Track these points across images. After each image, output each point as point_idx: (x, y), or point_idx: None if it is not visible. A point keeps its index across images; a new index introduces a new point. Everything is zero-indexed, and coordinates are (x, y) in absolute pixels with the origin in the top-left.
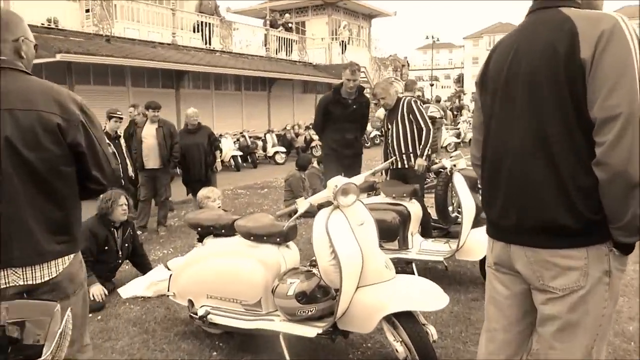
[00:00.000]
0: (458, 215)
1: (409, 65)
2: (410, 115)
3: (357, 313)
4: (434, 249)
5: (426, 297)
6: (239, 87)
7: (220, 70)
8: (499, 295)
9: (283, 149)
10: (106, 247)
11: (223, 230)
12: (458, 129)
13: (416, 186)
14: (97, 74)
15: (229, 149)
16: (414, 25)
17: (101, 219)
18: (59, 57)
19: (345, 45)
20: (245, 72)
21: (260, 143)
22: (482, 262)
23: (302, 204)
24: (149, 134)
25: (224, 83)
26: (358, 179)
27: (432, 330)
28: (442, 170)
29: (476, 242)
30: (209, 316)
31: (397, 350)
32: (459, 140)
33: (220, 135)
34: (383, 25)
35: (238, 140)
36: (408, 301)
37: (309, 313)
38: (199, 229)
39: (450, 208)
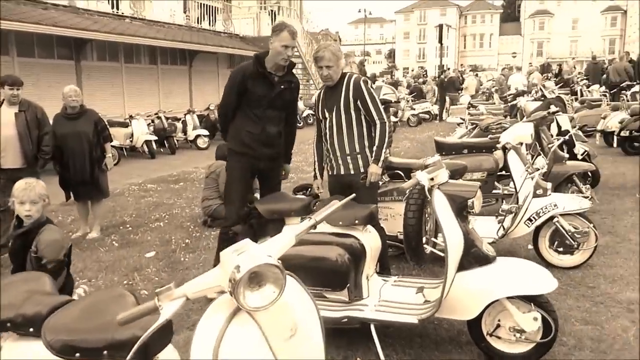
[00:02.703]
0: (433, 249)
1: (340, 40)
2: (359, 102)
3: None
4: (402, 301)
5: None
6: (155, 60)
7: (130, 40)
8: None
9: (206, 132)
10: None
11: (32, 329)
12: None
13: (373, 208)
14: None
15: (141, 132)
16: None
17: None
18: None
19: (275, 16)
20: (161, 42)
21: (179, 125)
22: (473, 322)
23: (167, 308)
24: (6, 122)
25: (137, 55)
26: (290, 235)
27: None
28: (415, 187)
29: (464, 294)
30: None
31: None
32: (396, 120)
33: (131, 117)
34: None
35: (153, 122)
36: None
37: None
38: None
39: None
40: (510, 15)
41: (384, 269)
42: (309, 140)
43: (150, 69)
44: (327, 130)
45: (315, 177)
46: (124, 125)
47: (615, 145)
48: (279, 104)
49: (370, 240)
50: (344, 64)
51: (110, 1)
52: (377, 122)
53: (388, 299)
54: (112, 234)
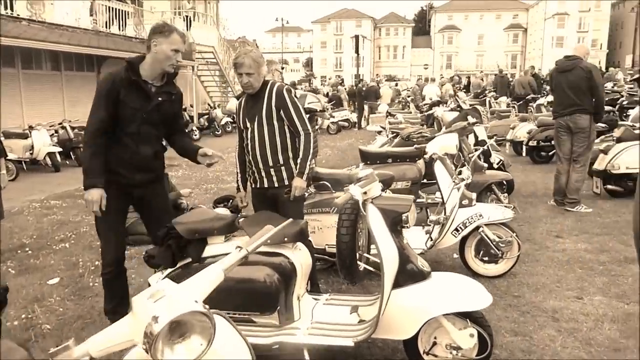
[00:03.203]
0: (366, 266)
1: (258, 48)
2: (282, 111)
3: None
4: (336, 322)
5: None
6: (58, 66)
7: (27, 44)
8: None
9: None
10: None
11: None
12: None
13: (303, 224)
14: None
15: (43, 144)
16: (262, 6)
17: None
18: None
19: (190, 22)
20: (64, 47)
21: None
22: (409, 340)
23: None
24: None
25: (37, 61)
26: (217, 271)
27: None
28: (348, 202)
29: (400, 312)
30: None
31: None
32: (317, 127)
33: (31, 127)
34: (231, 5)
35: (57, 132)
36: None
37: None
38: None
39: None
40: (422, 29)
41: (312, 285)
42: (228, 148)
43: (53, 75)
44: (249, 141)
45: (238, 189)
46: (23, 136)
47: (524, 154)
48: (157, 118)
49: (300, 258)
50: (265, 71)
51: (2, 2)
52: (302, 132)
53: (321, 320)
54: (9, 259)
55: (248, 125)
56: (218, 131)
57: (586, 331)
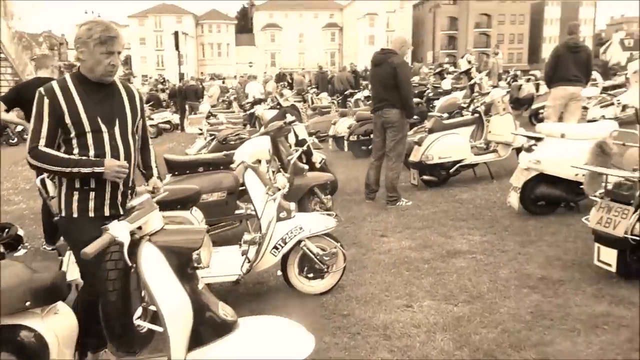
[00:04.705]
0: (153, 326)
1: (67, 44)
2: (141, 120)
3: None
4: None
5: None
6: None
7: None
8: None
9: None
10: None
11: None
12: None
13: (56, 275)
14: None
15: None
16: None
17: None
18: None
19: None
20: None
21: None
22: None
23: None
24: None
25: None
26: None
27: None
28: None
29: None
30: None
31: None
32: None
33: None
34: None
35: None
36: None
37: None
38: None
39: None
40: (245, 27)
41: (97, 347)
42: (19, 160)
43: None
44: (110, 150)
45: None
46: None
47: (346, 149)
48: None
49: (55, 325)
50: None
51: None
52: (150, 146)
53: None
54: None
55: (103, 127)
56: (13, 139)
57: (419, 347)
